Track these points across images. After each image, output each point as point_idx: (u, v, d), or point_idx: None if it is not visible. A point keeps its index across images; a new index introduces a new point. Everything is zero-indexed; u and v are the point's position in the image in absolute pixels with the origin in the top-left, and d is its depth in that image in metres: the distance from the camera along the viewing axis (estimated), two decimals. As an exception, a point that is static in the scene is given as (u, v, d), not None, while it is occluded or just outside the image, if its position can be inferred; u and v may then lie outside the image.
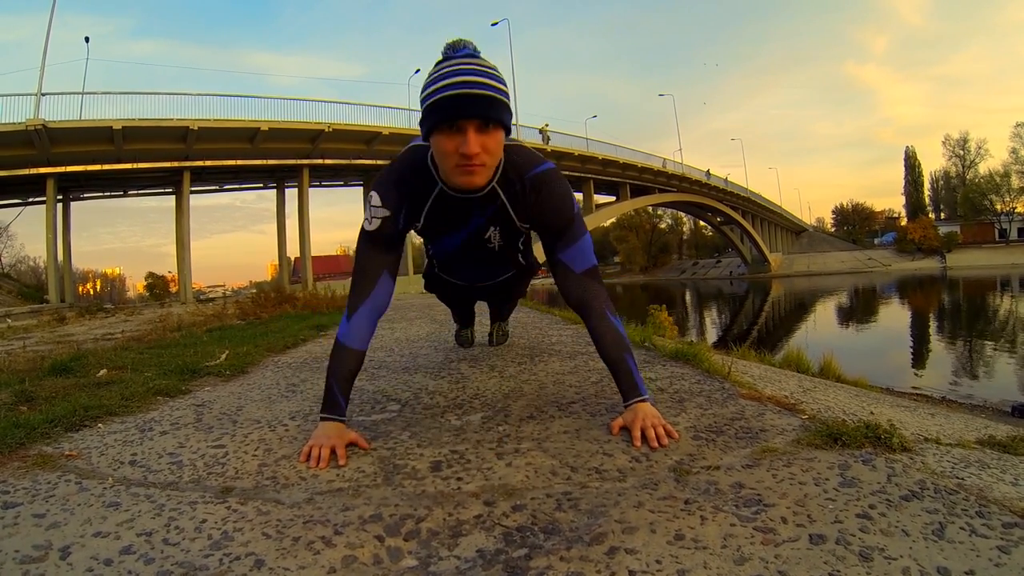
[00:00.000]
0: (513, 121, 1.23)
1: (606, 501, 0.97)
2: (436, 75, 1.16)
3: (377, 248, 1.37)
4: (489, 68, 1.17)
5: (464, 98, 1.12)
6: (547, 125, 28.84)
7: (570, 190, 1.41)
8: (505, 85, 1.18)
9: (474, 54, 1.19)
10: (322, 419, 1.32)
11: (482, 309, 2.65)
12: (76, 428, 1.55)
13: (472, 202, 1.36)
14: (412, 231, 1.49)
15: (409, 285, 20.46)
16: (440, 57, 1.21)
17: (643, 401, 1.33)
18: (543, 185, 1.35)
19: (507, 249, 1.61)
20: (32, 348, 4.20)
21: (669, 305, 15.77)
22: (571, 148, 28.87)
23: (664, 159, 33.82)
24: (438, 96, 1.14)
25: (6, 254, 33.61)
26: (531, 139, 26.87)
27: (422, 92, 1.19)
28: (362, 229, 1.37)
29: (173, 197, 21.97)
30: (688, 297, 36.42)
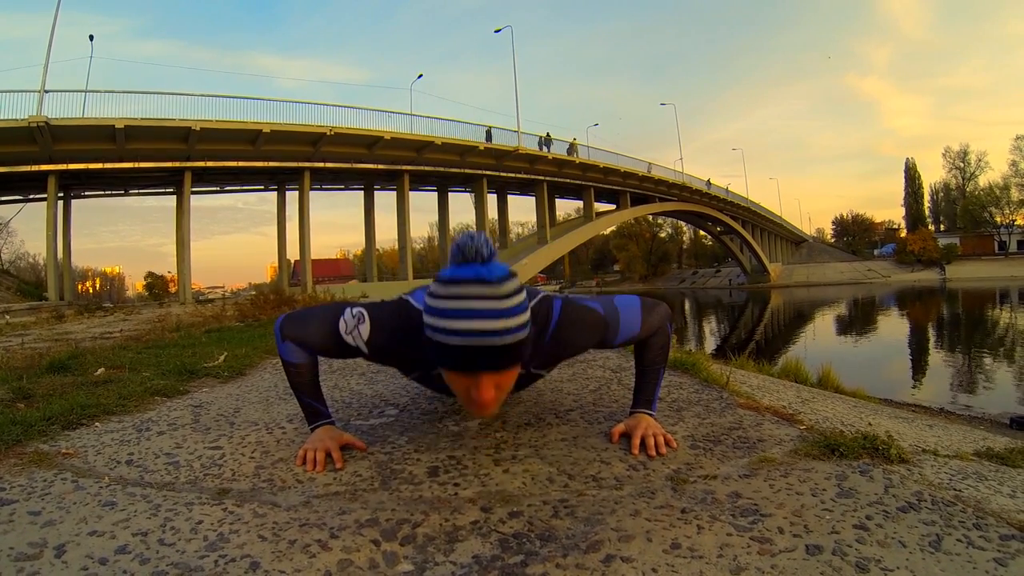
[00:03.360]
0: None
1: (603, 509, 0.97)
2: (444, 306, 0.99)
3: (334, 344, 1.25)
4: (504, 300, 0.98)
5: (478, 350, 0.98)
6: (575, 139, 29.85)
7: (590, 311, 1.28)
8: (523, 313, 1.01)
9: (486, 278, 0.98)
10: (312, 430, 1.32)
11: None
12: (73, 426, 1.55)
13: None
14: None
15: (408, 288, 20.44)
16: (447, 267, 1.03)
17: (649, 414, 1.36)
18: (564, 332, 1.25)
19: (516, 390, 1.50)
20: (30, 345, 4.20)
21: (668, 313, 15.73)
22: (569, 156, 28.96)
23: (649, 163, 33.80)
24: (448, 341, 0.99)
25: (6, 250, 33.59)
26: (532, 147, 27.14)
27: (427, 312, 1.03)
28: (339, 320, 1.24)
29: (174, 197, 21.99)
30: (687, 306, 36.43)
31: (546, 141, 28.24)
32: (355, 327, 1.23)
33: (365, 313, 1.24)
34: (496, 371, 1.03)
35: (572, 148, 29.43)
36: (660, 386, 1.40)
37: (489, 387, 1.04)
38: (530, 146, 27.23)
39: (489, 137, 25.64)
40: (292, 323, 1.30)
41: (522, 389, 1.72)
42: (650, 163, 33.73)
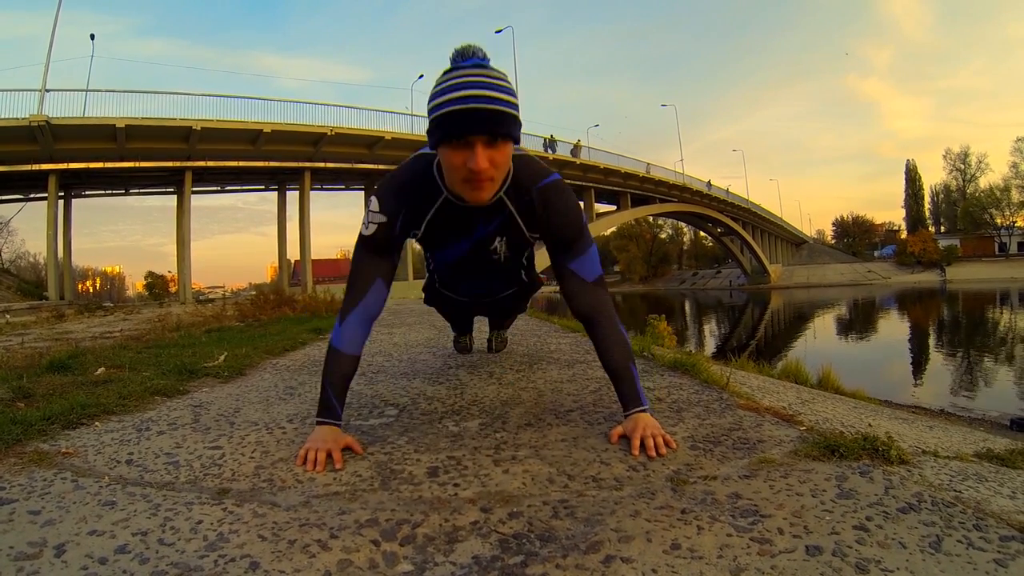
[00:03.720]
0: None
1: (603, 509, 0.97)
2: (443, 86, 1.13)
3: (372, 253, 1.35)
4: (498, 79, 1.13)
5: (472, 113, 1.10)
6: (580, 141, 30.42)
7: (577, 201, 1.40)
8: (514, 96, 1.16)
9: (482, 63, 1.16)
10: (318, 423, 1.32)
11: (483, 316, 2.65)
12: (73, 426, 1.55)
13: (479, 211, 1.35)
14: (412, 239, 1.48)
15: (409, 290, 20.44)
16: (448, 66, 1.18)
17: (643, 411, 1.33)
18: (552, 196, 1.34)
19: (513, 261, 1.58)
20: (30, 344, 4.20)
21: (668, 315, 15.79)
22: (571, 157, 28.99)
23: (648, 164, 33.82)
24: (445, 110, 1.11)
25: (6, 249, 33.60)
26: (538, 149, 27.25)
27: (429, 102, 1.17)
28: (360, 234, 1.35)
29: (175, 197, 21.99)
30: (687, 307, 36.43)
31: (551, 143, 28.37)
32: (368, 219, 1.33)
33: (371, 198, 1.35)
34: (489, 136, 1.12)
35: (576, 149, 29.77)
36: (639, 379, 1.37)
37: (484, 156, 1.13)
38: (536, 148, 27.34)
39: None
40: (346, 299, 1.37)
41: (520, 297, 2.00)
42: (648, 163, 33.71)
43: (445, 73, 1.15)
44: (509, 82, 1.16)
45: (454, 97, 1.10)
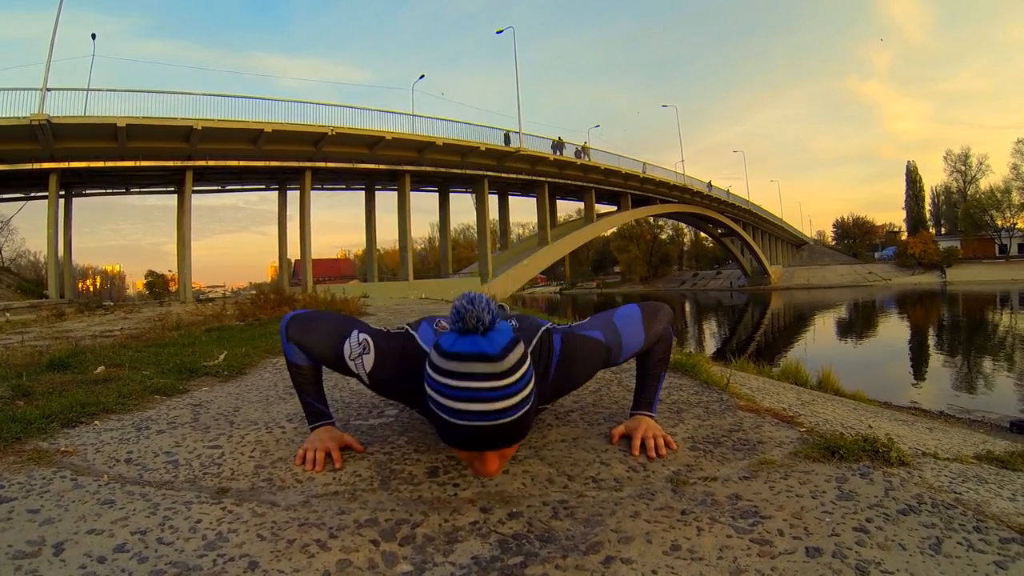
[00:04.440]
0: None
1: (602, 510, 0.97)
2: (446, 383, 0.95)
3: (336, 360, 1.23)
4: (507, 377, 0.94)
5: (482, 432, 0.96)
6: (587, 143, 30.69)
7: (588, 343, 1.25)
8: (526, 386, 0.98)
9: (486, 352, 0.94)
10: (312, 429, 1.32)
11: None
12: (72, 424, 1.54)
13: None
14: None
15: (409, 290, 20.47)
16: (447, 344, 0.97)
17: (649, 416, 1.36)
18: (566, 368, 1.22)
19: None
20: (30, 343, 4.20)
21: (668, 315, 15.71)
22: (575, 159, 29.03)
23: (644, 163, 33.77)
24: (450, 421, 0.97)
25: (7, 248, 33.56)
26: (546, 150, 27.35)
27: (429, 383, 1.00)
28: (344, 341, 1.22)
29: (175, 196, 22.00)
30: (688, 308, 36.43)
31: (559, 145, 28.55)
32: (359, 355, 1.20)
33: (371, 344, 1.21)
34: (502, 448, 1.01)
35: (584, 151, 30.08)
36: (660, 388, 1.40)
37: (494, 460, 1.03)
38: (544, 149, 27.51)
39: (507, 140, 26.06)
40: (297, 327, 1.29)
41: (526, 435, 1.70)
42: (644, 163, 33.63)
43: (446, 357, 0.96)
44: (518, 369, 0.97)
45: (461, 410, 0.95)
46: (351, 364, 1.21)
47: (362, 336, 1.22)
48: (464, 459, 1.07)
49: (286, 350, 1.31)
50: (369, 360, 1.19)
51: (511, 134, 26.24)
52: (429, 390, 1.00)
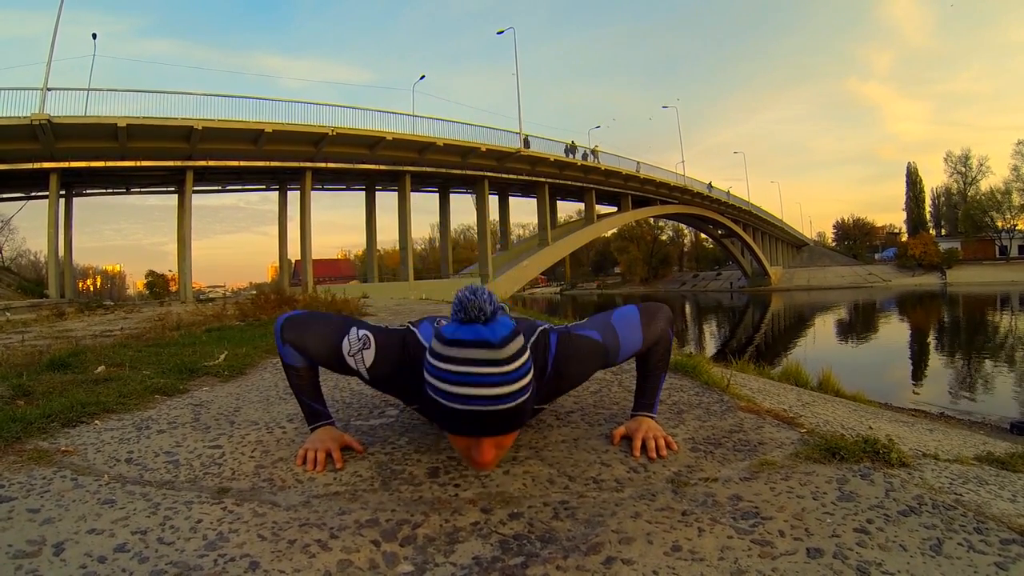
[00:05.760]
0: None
1: (603, 511, 0.97)
2: (446, 368, 0.96)
3: (335, 359, 1.23)
4: (507, 364, 0.96)
5: (480, 417, 0.96)
6: (598, 146, 31.26)
7: (585, 343, 1.24)
8: (525, 375, 0.99)
9: (487, 339, 0.95)
10: (312, 430, 1.32)
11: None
12: (73, 424, 1.54)
13: None
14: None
15: (409, 291, 20.46)
16: (448, 332, 0.98)
17: (650, 416, 1.36)
18: (562, 367, 1.22)
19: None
20: (30, 343, 4.20)
21: (668, 315, 15.70)
22: (581, 160, 29.09)
23: (638, 162, 33.81)
24: (448, 406, 0.97)
25: (7, 248, 33.57)
26: (556, 152, 27.44)
27: (428, 369, 1.01)
28: (343, 338, 1.22)
29: (176, 196, 22.00)
30: (688, 309, 36.42)
31: (571, 148, 28.78)
32: (359, 351, 1.20)
33: (371, 339, 1.21)
34: (498, 435, 1.01)
35: (594, 154, 30.64)
36: (661, 389, 1.40)
37: (490, 449, 1.03)
38: (555, 151, 27.73)
39: (527, 144, 26.41)
40: (293, 328, 1.27)
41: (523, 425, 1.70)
42: (639, 162, 33.65)
43: (447, 345, 0.97)
44: (518, 358, 0.98)
45: (460, 394, 0.95)
46: (350, 360, 1.20)
47: (362, 332, 1.22)
48: (460, 449, 1.06)
49: (282, 352, 1.30)
50: (370, 355, 1.20)
51: (529, 138, 26.62)
52: (428, 377, 1.00)
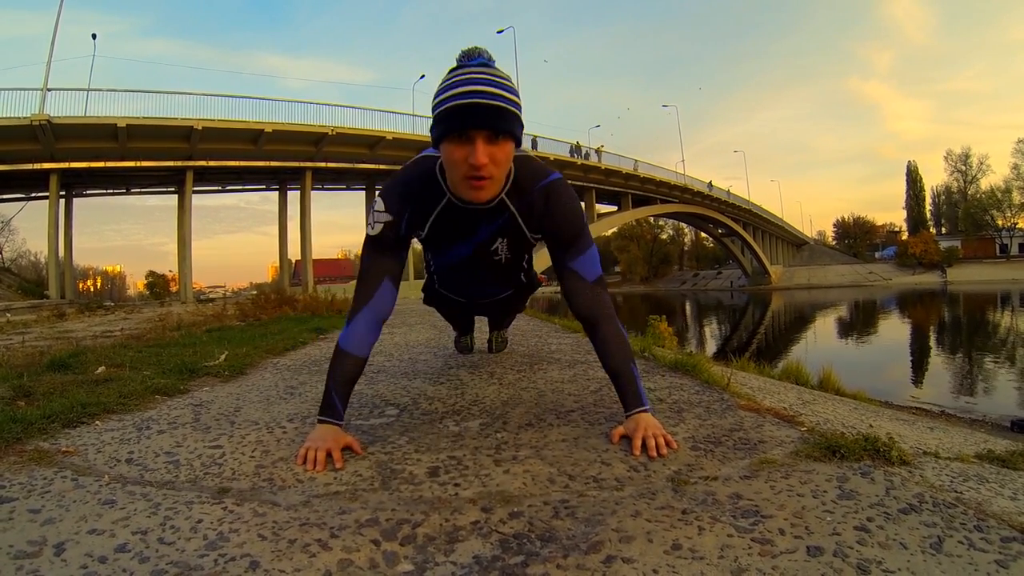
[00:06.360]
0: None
1: (603, 510, 0.97)
2: (448, 83, 1.16)
3: (379, 253, 1.36)
4: (502, 78, 1.16)
5: (474, 108, 1.12)
6: (603, 146, 31.81)
7: (578, 201, 1.42)
8: (518, 96, 1.18)
9: (487, 63, 1.19)
10: (319, 422, 1.32)
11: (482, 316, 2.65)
12: (73, 425, 1.54)
13: (481, 213, 1.36)
14: (415, 239, 1.49)
15: (409, 290, 20.44)
16: (454, 64, 1.21)
17: (645, 411, 1.33)
18: (554, 195, 1.35)
19: (513, 263, 1.58)
20: (31, 343, 4.20)
21: (669, 315, 15.78)
22: (582, 159, 29.12)
23: (636, 160, 33.86)
24: (448, 104, 1.13)
25: (8, 248, 33.59)
26: (563, 153, 27.61)
27: (434, 99, 1.18)
28: (366, 235, 1.37)
29: (176, 196, 22.01)
30: (688, 308, 36.42)
31: (576, 148, 28.88)
32: (373, 219, 1.34)
33: (377, 198, 1.36)
34: (491, 131, 1.13)
35: (598, 153, 31.23)
36: (640, 380, 1.36)
37: (484, 152, 1.14)
38: (564, 154, 27.86)
39: (535, 145, 26.56)
40: (354, 299, 1.37)
41: (519, 297, 2.03)
42: (636, 160, 33.67)
43: (450, 71, 1.18)
44: (513, 83, 1.18)
45: (457, 92, 1.12)
46: (373, 230, 1.33)
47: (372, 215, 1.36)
48: (457, 162, 1.17)
49: (342, 335, 1.37)
50: (379, 204, 1.34)
51: (537, 139, 26.72)
52: (435, 99, 1.16)
